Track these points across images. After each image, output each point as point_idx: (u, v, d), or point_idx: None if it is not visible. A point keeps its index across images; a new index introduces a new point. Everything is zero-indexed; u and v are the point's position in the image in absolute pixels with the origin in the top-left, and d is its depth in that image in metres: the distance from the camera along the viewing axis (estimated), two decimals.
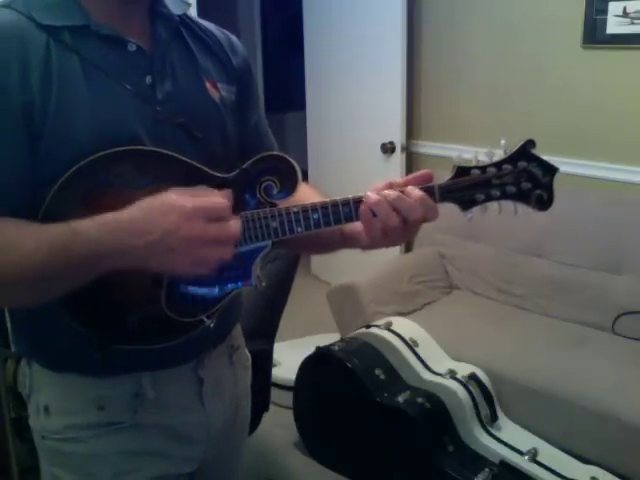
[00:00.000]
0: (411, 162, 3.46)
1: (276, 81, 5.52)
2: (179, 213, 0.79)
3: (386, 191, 0.89)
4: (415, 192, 0.88)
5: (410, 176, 0.93)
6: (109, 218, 0.80)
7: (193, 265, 0.81)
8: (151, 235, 0.79)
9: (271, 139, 1.15)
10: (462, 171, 0.89)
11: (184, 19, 1.01)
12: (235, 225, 0.83)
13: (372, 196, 0.89)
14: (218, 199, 0.83)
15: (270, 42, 5.61)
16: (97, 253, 0.79)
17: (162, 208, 0.80)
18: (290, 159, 0.91)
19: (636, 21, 2.58)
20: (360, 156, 3.50)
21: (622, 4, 2.59)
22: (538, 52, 2.91)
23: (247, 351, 1.24)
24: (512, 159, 0.89)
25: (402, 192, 0.88)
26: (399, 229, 0.89)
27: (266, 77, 5.41)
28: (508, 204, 0.90)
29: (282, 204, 0.90)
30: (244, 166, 0.91)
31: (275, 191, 0.90)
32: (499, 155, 0.89)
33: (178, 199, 0.80)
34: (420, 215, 0.88)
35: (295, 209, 0.89)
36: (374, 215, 0.88)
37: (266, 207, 0.90)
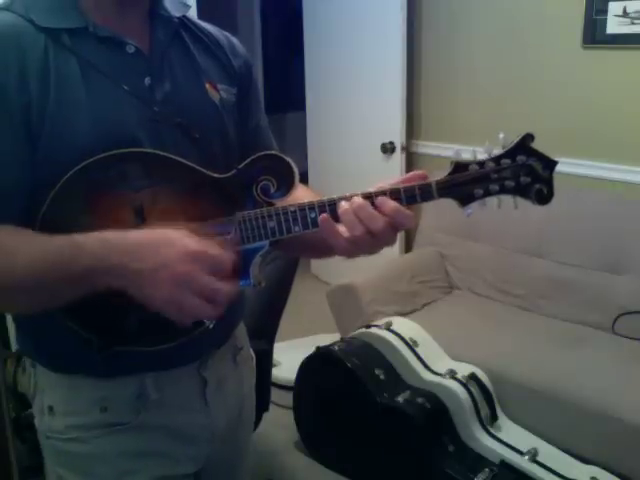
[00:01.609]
0: (411, 162, 3.46)
1: (276, 81, 5.51)
2: (180, 251, 0.79)
3: (355, 198, 0.86)
4: (388, 204, 0.85)
5: (402, 177, 0.91)
6: (114, 236, 0.80)
7: (172, 307, 0.80)
8: (146, 263, 0.79)
9: (271, 140, 1.15)
10: (460, 166, 0.88)
11: (184, 21, 1.02)
12: (228, 287, 0.82)
13: (342, 205, 0.86)
14: (224, 254, 0.82)
15: (270, 42, 5.60)
16: (96, 269, 0.79)
17: (166, 241, 0.80)
18: (287, 158, 0.91)
19: (636, 21, 2.58)
20: (360, 156, 3.50)
21: (622, 4, 2.59)
22: (538, 52, 2.91)
23: (251, 351, 1.24)
24: (511, 153, 0.88)
25: (373, 203, 0.86)
26: (365, 238, 0.86)
27: (266, 77, 5.41)
28: (507, 199, 0.89)
29: (279, 204, 0.90)
30: (241, 166, 0.91)
31: (272, 191, 0.90)
32: (498, 150, 0.88)
33: (184, 238, 0.80)
34: (381, 226, 0.85)
35: (292, 208, 0.88)
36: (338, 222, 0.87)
37: (263, 207, 0.90)
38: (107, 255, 0.79)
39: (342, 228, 0.88)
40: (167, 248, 0.80)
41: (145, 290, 0.80)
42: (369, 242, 0.87)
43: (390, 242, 0.89)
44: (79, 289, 0.82)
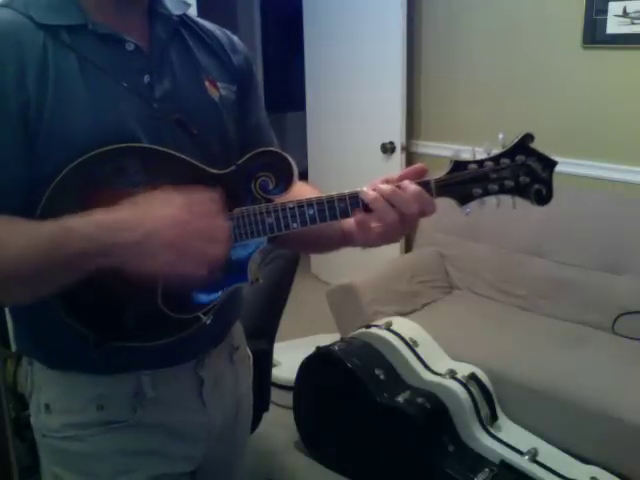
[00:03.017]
0: (411, 162, 3.46)
1: (276, 81, 5.51)
2: (173, 216, 0.79)
3: (382, 186, 0.88)
4: (411, 187, 0.88)
5: (405, 171, 0.92)
6: (103, 216, 0.80)
7: (166, 271, 0.80)
8: (136, 232, 0.78)
9: (272, 137, 1.14)
10: (459, 165, 0.88)
11: (184, 19, 1.02)
12: (220, 250, 0.81)
13: (369, 193, 0.88)
14: (215, 218, 0.82)
15: (270, 42, 5.60)
16: (88, 250, 0.79)
17: (153, 210, 0.80)
18: (286, 155, 0.91)
19: (636, 21, 2.57)
20: (360, 156, 3.50)
21: (622, 4, 2.59)
22: (538, 52, 2.91)
23: (249, 350, 1.24)
24: (510, 153, 0.88)
25: (398, 187, 0.88)
26: (396, 225, 0.88)
27: (266, 77, 5.41)
28: (506, 198, 0.89)
29: (278, 200, 0.90)
30: (239, 162, 0.92)
31: (271, 187, 0.90)
32: (497, 150, 0.88)
33: (176, 207, 0.80)
34: (416, 209, 0.87)
35: (290, 205, 0.89)
36: (371, 212, 0.88)
37: (262, 203, 0.90)
38: (98, 234, 0.79)
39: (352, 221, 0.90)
40: (157, 216, 0.79)
41: (142, 259, 0.79)
42: (397, 229, 0.88)
43: (409, 230, 0.91)
44: (73, 272, 0.81)
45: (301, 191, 0.97)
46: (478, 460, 2.06)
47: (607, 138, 2.74)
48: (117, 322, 0.91)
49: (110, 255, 0.79)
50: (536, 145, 0.89)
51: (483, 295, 2.89)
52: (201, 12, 2.74)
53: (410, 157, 3.47)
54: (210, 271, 0.81)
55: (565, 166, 2.81)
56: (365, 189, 0.89)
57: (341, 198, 0.89)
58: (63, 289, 0.84)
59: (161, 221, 0.79)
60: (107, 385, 0.97)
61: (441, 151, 3.27)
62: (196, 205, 0.81)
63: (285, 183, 0.90)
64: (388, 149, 3.38)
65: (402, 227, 0.89)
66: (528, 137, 0.88)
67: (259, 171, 0.91)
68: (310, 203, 0.89)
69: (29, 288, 0.84)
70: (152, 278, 0.81)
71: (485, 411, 2.18)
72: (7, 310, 1.13)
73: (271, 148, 0.94)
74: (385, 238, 0.91)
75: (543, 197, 0.88)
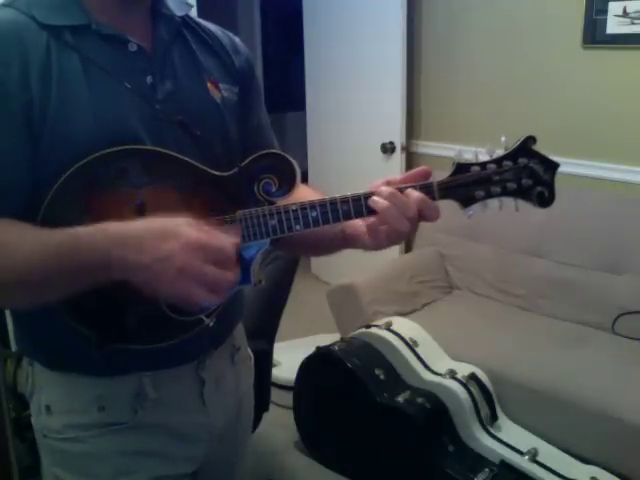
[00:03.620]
0: (411, 162, 3.47)
1: (276, 81, 5.51)
2: (181, 242, 0.78)
3: (382, 188, 0.88)
4: (414, 193, 0.87)
5: (408, 173, 0.92)
6: (114, 229, 0.80)
7: (176, 296, 0.80)
8: (146, 255, 0.78)
9: (273, 139, 1.15)
10: (462, 168, 0.88)
11: (186, 20, 1.02)
12: (232, 276, 0.81)
13: (380, 202, 0.87)
14: (226, 242, 0.81)
15: (270, 42, 5.60)
16: (96, 263, 0.79)
17: (166, 232, 0.79)
18: (289, 157, 0.91)
19: (636, 21, 2.58)
20: (360, 156, 3.51)
21: (622, 4, 2.59)
22: (538, 52, 2.91)
23: (250, 350, 1.24)
24: (512, 155, 0.88)
25: (400, 190, 0.88)
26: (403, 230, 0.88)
27: (266, 77, 5.40)
28: (509, 201, 0.89)
29: (281, 202, 0.90)
30: (242, 164, 0.92)
31: (274, 189, 0.90)
32: (499, 152, 0.89)
33: (185, 228, 0.79)
34: (415, 214, 0.87)
35: (294, 207, 0.89)
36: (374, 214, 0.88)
37: (265, 205, 0.90)
38: (107, 249, 0.78)
39: (360, 222, 0.91)
40: (168, 240, 0.79)
41: (147, 282, 0.79)
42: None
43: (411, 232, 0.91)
44: (80, 283, 0.81)
45: (303, 194, 0.97)
46: (478, 460, 2.06)
47: (607, 138, 2.75)
48: (120, 324, 0.91)
49: (118, 270, 0.79)
50: (536, 145, 0.89)
51: (483, 295, 2.89)
52: (201, 12, 2.74)
53: (410, 157, 3.47)
54: (217, 297, 0.81)
55: (565, 166, 2.80)
56: (376, 198, 0.88)
57: (344, 200, 0.89)
58: (68, 297, 0.84)
59: (176, 246, 0.78)
60: (108, 386, 0.97)
61: (441, 151, 3.28)
62: (209, 234, 0.81)
63: (288, 185, 0.90)
64: (388, 149, 3.38)
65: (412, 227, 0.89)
66: (530, 139, 0.88)
67: (262, 173, 0.91)
68: (313, 205, 0.89)
69: (33, 294, 0.84)
70: (156, 296, 0.80)
71: (485, 411, 2.18)
72: (8, 311, 1.13)
73: (274, 150, 0.94)
74: (390, 243, 0.91)
75: (545, 199, 0.89)
